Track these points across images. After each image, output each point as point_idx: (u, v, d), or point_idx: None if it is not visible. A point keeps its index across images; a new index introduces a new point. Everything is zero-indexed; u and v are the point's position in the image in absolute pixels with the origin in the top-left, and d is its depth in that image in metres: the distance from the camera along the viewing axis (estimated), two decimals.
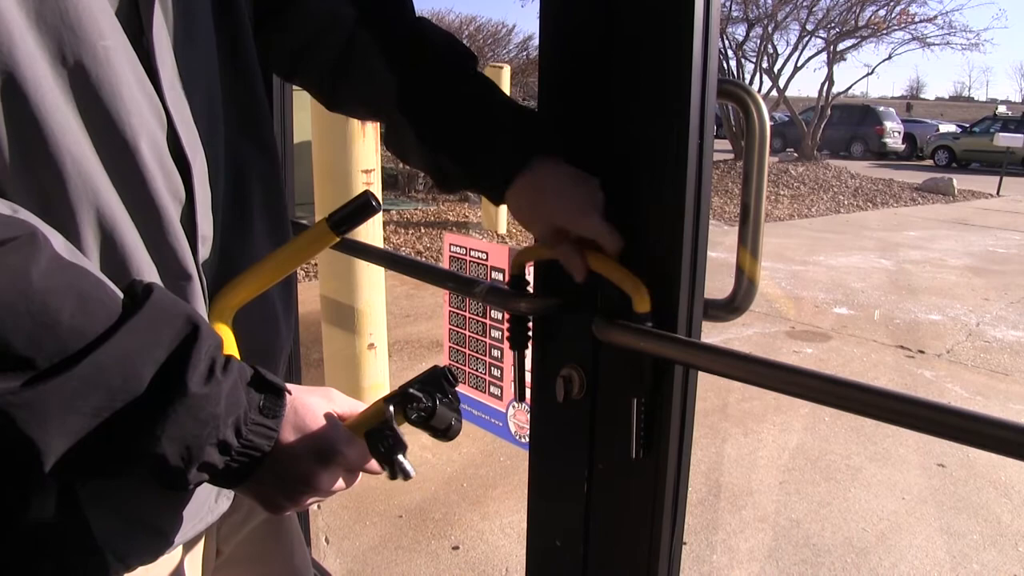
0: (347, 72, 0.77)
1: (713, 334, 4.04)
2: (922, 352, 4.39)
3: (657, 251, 0.69)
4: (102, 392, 0.44)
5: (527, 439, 0.88)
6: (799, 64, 15.55)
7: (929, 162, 19.17)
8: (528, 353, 0.83)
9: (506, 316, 0.82)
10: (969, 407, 0.50)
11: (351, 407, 0.61)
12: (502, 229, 7.28)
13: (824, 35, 15.60)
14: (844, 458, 3.04)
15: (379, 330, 3.05)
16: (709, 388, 3.56)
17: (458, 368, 1.55)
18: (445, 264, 1.53)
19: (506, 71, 7.15)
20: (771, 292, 5.68)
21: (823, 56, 15.91)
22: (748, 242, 0.71)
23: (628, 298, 0.68)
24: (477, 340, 1.49)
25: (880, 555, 2.38)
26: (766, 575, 2.29)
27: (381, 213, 3.25)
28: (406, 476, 0.56)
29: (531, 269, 0.83)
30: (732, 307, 0.74)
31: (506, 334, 0.83)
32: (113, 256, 0.53)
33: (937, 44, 16.98)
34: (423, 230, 7.38)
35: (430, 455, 2.92)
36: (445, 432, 0.59)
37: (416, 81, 0.73)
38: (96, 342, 0.44)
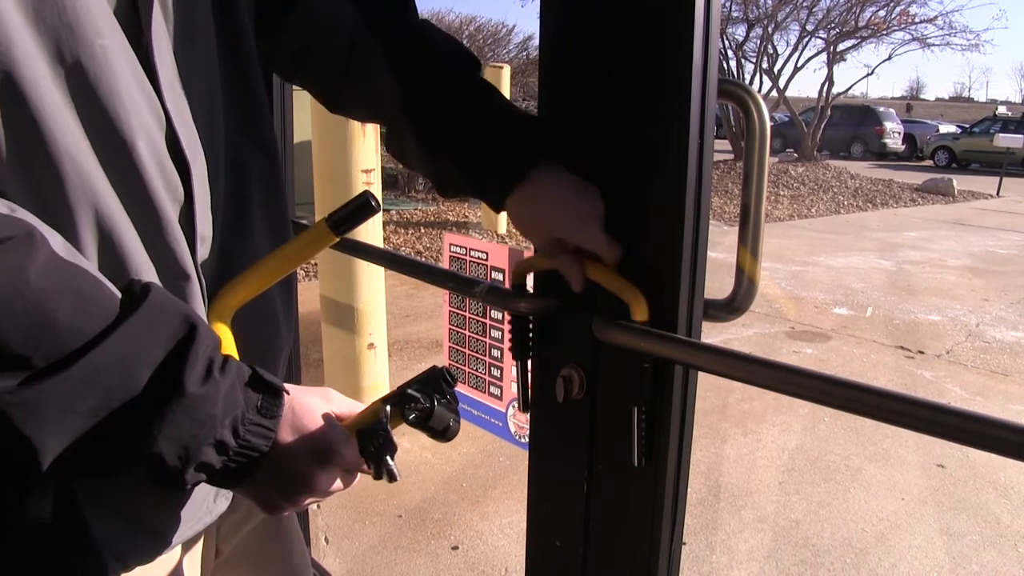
0: (349, 74, 0.77)
1: (713, 334, 4.04)
2: (922, 353, 4.39)
3: (657, 251, 0.69)
4: (99, 392, 0.44)
5: (527, 439, 0.88)
6: (799, 64, 15.58)
7: (929, 163, 19.18)
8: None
9: (506, 318, 0.81)
10: (969, 408, 0.49)
11: (349, 407, 0.61)
12: (502, 229, 7.28)
13: (824, 35, 15.62)
14: (844, 458, 3.04)
15: (379, 330, 3.05)
16: (709, 388, 3.56)
17: (458, 368, 1.55)
18: (445, 264, 1.53)
19: (506, 71, 7.15)
20: (771, 292, 5.68)
21: (823, 56, 15.94)
22: (748, 242, 0.71)
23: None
24: (477, 340, 1.49)
25: (879, 556, 2.38)
26: (765, 575, 2.28)
27: (381, 213, 3.25)
28: (391, 478, 0.56)
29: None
30: (732, 307, 0.74)
31: (507, 344, 0.83)
32: (111, 255, 0.53)
33: (937, 45, 17.01)
34: (423, 230, 7.38)
35: (430, 455, 2.92)
36: (443, 433, 0.59)
37: (417, 84, 0.73)
38: (93, 342, 0.44)
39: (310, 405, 0.57)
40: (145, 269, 0.55)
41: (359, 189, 2.88)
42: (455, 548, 2.37)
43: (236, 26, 0.66)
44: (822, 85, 15.46)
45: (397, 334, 4.31)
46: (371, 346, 3.00)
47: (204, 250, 0.61)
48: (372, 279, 2.97)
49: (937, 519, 2.61)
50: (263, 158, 0.70)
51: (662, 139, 0.67)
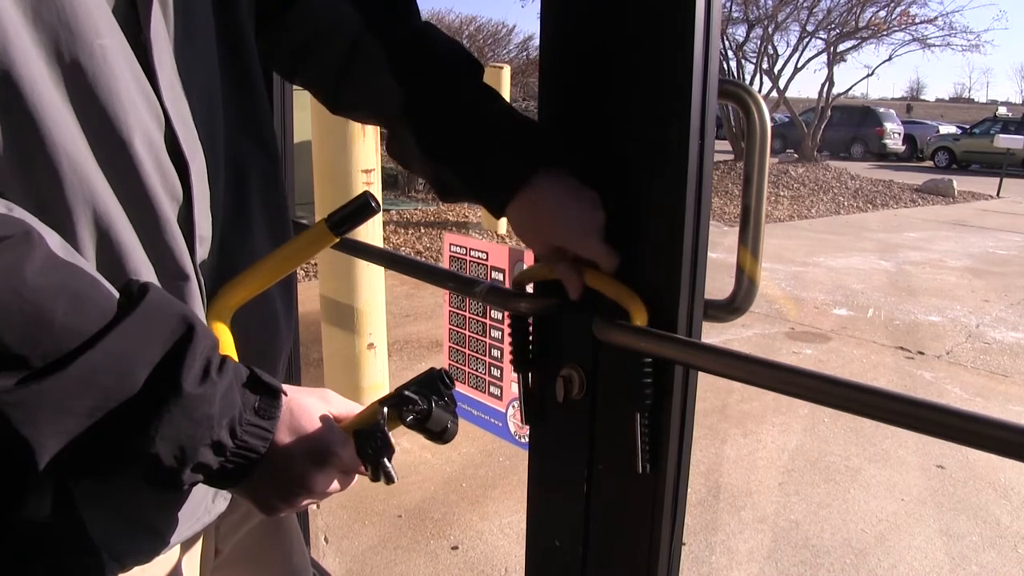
0: (350, 74, 0.76)
1: (712, 335, 4.03)
2: (922, 353, 4.39)
3: (657, 251, 0.69)
4: (96, 392, 0.44)
5: (527, 439, 0.88)
6: (799, 65, 15.57)
7: (929, 163, 19.19)
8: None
9: (506, 323, 0.82)
10: (968, 408, 0.49)
11: (347, 409, 0.61)
12: (502, 229, 7.28)
13: (824, 36, 15.61)
14: (843, 459, 3.04)
15: (379, 330, 3.05)
16: (709, 388, 3.56)
17: (458, 368, 1.55)
18: (445, 264, 1.53)
19: (506, 71, 7.15)
20: (771, 293, 5.68)
21: (823, 57, 15.94)
22: (749, 243, 0.71)
23: None
24: (477, 340, 1.49)
25: (879, 556, 2.38)
26: None
27: (381, 213, 3.25)
28: (389, 480, 0.56)
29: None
30: (732, 307, 0.74)
31: (507, 349, 0.83)
32: (109, 255, 0.53)
33: (937, 45, 17.00)
34: (423, 230, 7.38)
35: (429, 455, 2.91)
36: (441, 435, 0.59)
37: (418, 85, 0.73)
38: (90, 342, 0.44)
39: (308, 406, 0.57)
40: (143, 269, 0.55)
41: (359, 189, 2.88)
42: (455, 548, 2.37)
43: (236, 25, 0.66)
44: (822, 86, 15.48)
45: (397, 334, 4.31)
46: (371, 346, 3.00)
47: (203, 250, 0.61)
48: (372, 279, 2.97)
49: (937, 520, 2.61)
50: (263, 157, 0.70)
51: (662, 139, 0.67)
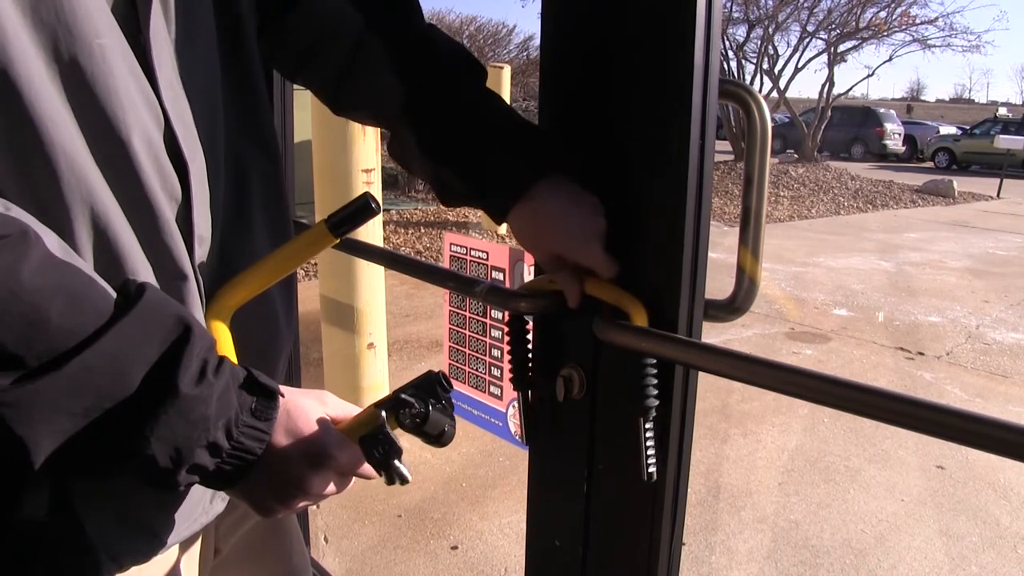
0: (352, 74, 0.76)
1: (712, 335, 4.03)
2: (922, 354, 4.39)
3: (658, 251, 0.69)
4: (91, 392, 0.44)
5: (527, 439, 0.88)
6: (800, 65, 15.56)
7: (929, 164, 19.19)
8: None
9: (505, 329, 0.82)
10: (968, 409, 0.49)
11: (344, 411, 0.61)
12: (502, 229, 7.27)
13: (825, 36, 15.61)
14: (843, 459, 3.04)
15: (379, 330, 3.05)
16: (709, 389, 3.56)
17: (458, 368, 1.55)
18: (445, 264, 1.53)
19: (506, 71, 7.15)
20: (771, 293, 5.68)
21: (824, 57, 15.94)
22: (749, 243, 0.71)
23: None
24: (477, 340, 1.49)
25: (879, 557, 2.38)
26: None
27: (381, 213, 3.25)
28: (403, 481, 0.56)
29: (531, 269, 0.83)
30: (733, 307, 0.74)
31: (508, 374, 0.83)
32: (107, 255, 0.53)
33: (938, 46, 16.99)
34: (423, 230, 7.38)
35: (429, 455, 2.91)
36: (438, 438, 0.59)
37: (419, 86, 0.73)
38: (86, 342, 0.44)
39: (305, 408, 0.57)
40: (141, 269, 0.55)
41: (359, 189, 2.88)
42: (454, 548, 2.37)
43: (237, 26, 0.66)
44: (822, 86, 15.48)
45: (397, 334, 4.31)
46: (371, 346, 3.00)
47: (202, 250, 0.61)
48: (372, 279, 2.97)
49: (936, 520, 2.61)
50: (263, 158, 0.70)
51: (663, 139, 0.67)
